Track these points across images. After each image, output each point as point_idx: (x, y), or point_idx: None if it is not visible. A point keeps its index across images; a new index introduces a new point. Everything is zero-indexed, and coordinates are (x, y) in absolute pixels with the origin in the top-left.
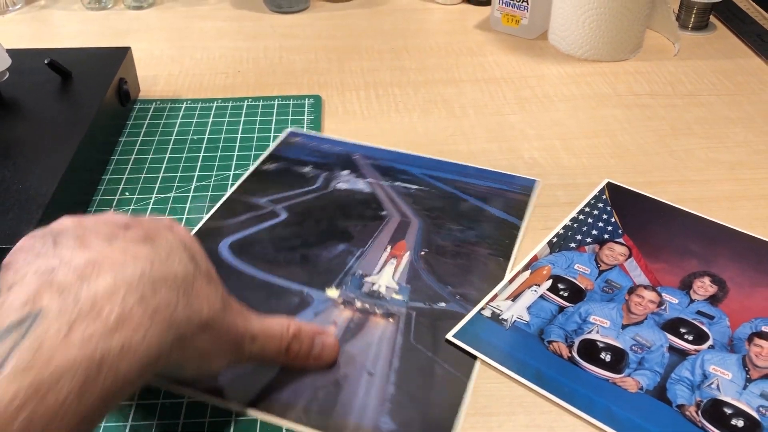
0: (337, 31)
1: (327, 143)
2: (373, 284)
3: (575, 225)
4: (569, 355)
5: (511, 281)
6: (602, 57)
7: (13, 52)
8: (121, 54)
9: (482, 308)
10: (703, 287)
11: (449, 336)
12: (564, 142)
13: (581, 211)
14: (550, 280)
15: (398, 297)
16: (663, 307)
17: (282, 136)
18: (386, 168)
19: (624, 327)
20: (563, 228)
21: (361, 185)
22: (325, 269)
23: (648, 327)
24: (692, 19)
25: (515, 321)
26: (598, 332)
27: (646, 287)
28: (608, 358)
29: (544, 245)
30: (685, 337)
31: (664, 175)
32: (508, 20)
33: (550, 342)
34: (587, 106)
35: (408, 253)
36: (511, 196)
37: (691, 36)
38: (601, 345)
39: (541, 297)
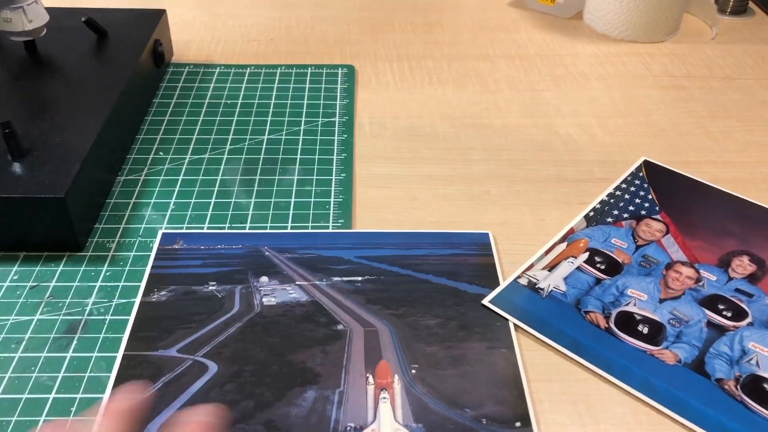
0: (370, 3)
1: (219, 240)
2: None
3: (612, 200)
4: (606, 325)
5: (547, 252)
6: (638, 38)
7: (50, 10)
8: (157, 16)
9: (519, 276)
10: (742, 266)
11: (485, 301)
12: (599, 119)
13: (618, 187)
14: (587, 253)
15: None
16: (701, 284)
17: (156, 244)
18: (312, 260)
19: (661, 301)
20: (600, 203)
21: (293, 294)
22: None
23: (686, 302)
24: (731, 3)
25: (552, 290)
26: (635, 305)
27: (683, 263)
28: (646, 330)
29: (580, 219)
30: (724, 313)
31: (700, 155)
32: None
33: (587, 312)
34: (622, 86)
35: (397, 377)
36: (471, 261)
37: (729, 20)
38: (638, 317)
39: (578, 269)
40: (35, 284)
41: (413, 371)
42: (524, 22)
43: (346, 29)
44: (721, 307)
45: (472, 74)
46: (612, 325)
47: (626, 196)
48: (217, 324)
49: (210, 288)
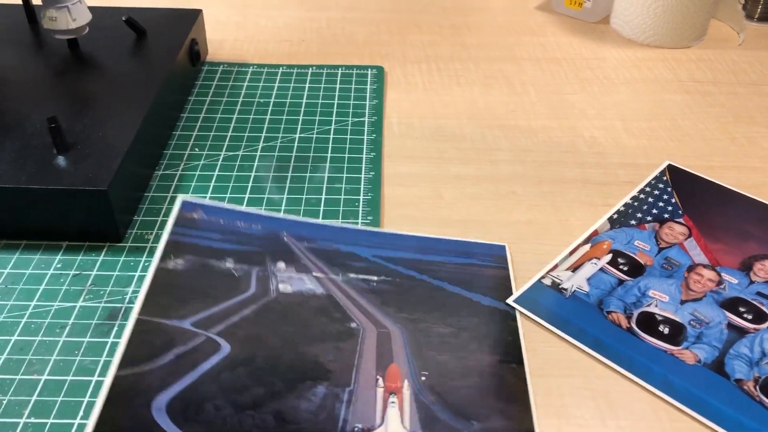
0: (399, 5)
1: (238, 217)
2: None
3: (636, 203)
4: (628, 325)
5: (571, 253)
6: (665, 43)
7: (92, 8)
8: (194, 15)
9: (543, 276)
10: (764, 269)
11: (510, 300)
12: (624, 123)
13: (642, 191)
14: (610, 254)
15: None
16: (722, 286)
17: (176, 209)
18: (329, 253)
19: (683, 302)
20: (624, 205)
21: (309, 284)
22: (311, 430)
23: (707, 304)
24: (759, 10)
25: (575, 291)
26: (656, 306)
27: (705, 266)
28: (666, 330)
29: (604, 221)
30: (744, 315)
31: (725, 160)
32: (571, 2)
33: (609, 312)
34: (648, 90)
35: (407, 382)
36: (487, 272)
37: (756, 26)
38: (659, 318)
39: (601, 270)
40: (78, 272)
41: (423, 378)
42: (551, 25)
43: (375, 31)
44: (742, 309)
45: (499, 76)
46: (633, 325)
47: (650, 200)
48: (233, 303)
49: (227, 265)
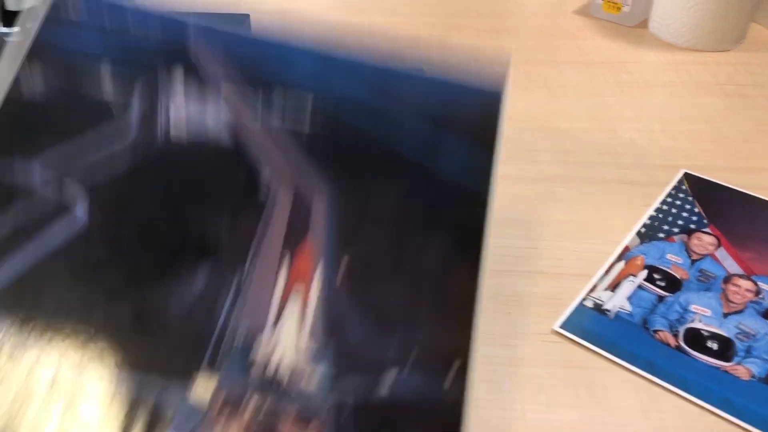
0: (439, 9)
1: (131, 15)
2: (271, 351)
3: (660, 215)
4: (677, 344)
5: (607, 272)
6: (704, 47)
7: None
8: (240, 20)
9: (584, 299)
10: None
11: (555, 327)
12: (663, 125)
13: (663, 202)
14: (646, 270)
15: (317, 373)
16: (761, 296)
17: (46, 5)
18: (253, 81)
19: (725, 316)
20: (649, 218)
21: (212, 128)
22: (180, 332)
23: (750, 315)
24: None
25: (618, 311)
26: (700, 321)
27: (740, 276)
28: (715, 346)
29: (633, 236)
30: None
31: (764, 162)
32: (609, 7)
33: (655, 331)
34: (687, 93)
35: (319, 269)
36: (468, 114)
37: None
38: (706, 334)
39: (639, 287)
40: None
41: (342, 265)
42: (588, 29)
43: (415, 34)
44: None
45: (537, 79)
46: (682, 343)
47: (673, 211)
48: (103, 152)
49: (103, 89)
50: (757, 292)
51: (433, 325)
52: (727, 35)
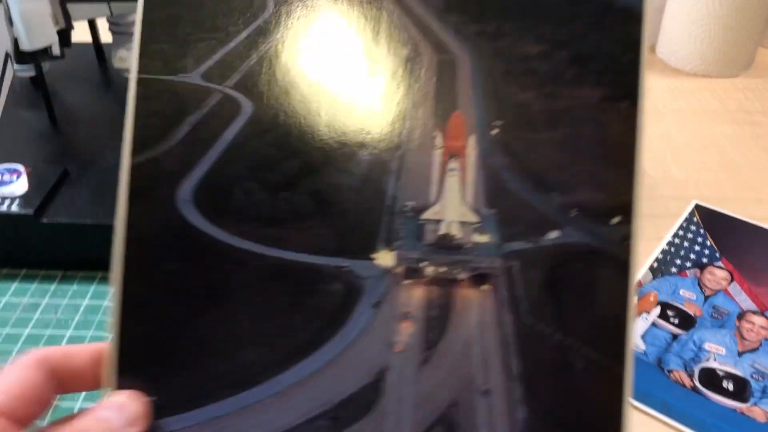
0: None
1: None
2: (439, 224)
3: (672, 249)
4: (692, 384)
5: None
6: (712, 73)
7: None
8: None
9: None
10: None
11: None
12: (674, 154)
13: (675, 235)
14: (659, 307)
15: (483, 239)
16: None
17: None
18: None
19: (740, 354)
20: (662, 252)
21: None
22: (355, 212)
23: (765, 353)
24: None
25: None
26: (715, 360)
27: (754, 312)
28: (731, 386)
29: (646, 270)
30: None
31: None
32: None
33: (670, 371)
34: (697, 121)
35: (473, 139)
36: None
37: None
38: (721, 373)
39: (653, 324)
40: None
41: (495, 131)
42: None
43: None
44: None
45: None
46: (697, 383)
47: (685, 244)
48: (248, 34)
49: None
50: None
51: (594, 181)
52: (735, 61)
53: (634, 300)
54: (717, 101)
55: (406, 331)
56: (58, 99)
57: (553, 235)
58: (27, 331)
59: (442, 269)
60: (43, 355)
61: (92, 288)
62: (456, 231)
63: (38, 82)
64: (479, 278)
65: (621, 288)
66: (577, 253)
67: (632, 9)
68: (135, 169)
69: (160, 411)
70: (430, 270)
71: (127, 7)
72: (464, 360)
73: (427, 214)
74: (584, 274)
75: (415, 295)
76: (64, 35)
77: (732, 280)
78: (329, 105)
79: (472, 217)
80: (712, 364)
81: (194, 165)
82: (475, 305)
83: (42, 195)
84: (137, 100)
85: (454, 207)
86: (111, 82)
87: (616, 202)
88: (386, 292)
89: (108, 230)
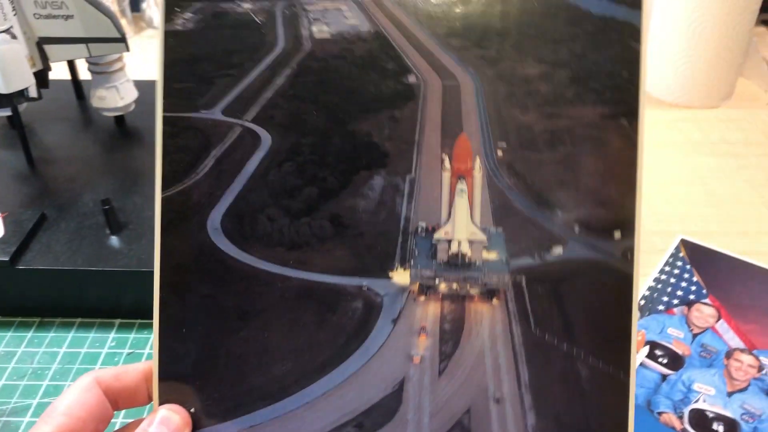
0: None
1: None
2: (450, 243)
3: (659, 286)
4: (682, 427)
5: None
6: (693, 103)
7: (137, 83)
8: None
9: None
10: None
11: None
12: (658, 187)
13: (662, 271)
14: (647, 346)
15: (492, 256)
16: (764, 372)
17: None
18: None
19: (729, 394)
20: (648, 289)
21: (351, 19)
22: (371, 234)
23: (753, 393)
24: None
25: None
26: (704, 401)
27: (742, 350)
28: (721, 429)
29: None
30: None
31: (761, 225)
32: None
33: (660, 413)
34: (679, 153)
35: (479, 161)
36: None
37: None
38: (711, 415)
39: (641, 365)
40: (131, 351)
41: (500, 152)
42: None
43: None
44: None
45: None
46: (687, 426)
47: (672, 281)
48: (262, 70)
49: (244, 6)
50: (760, 368)
51: (596, 197)
52: (715, 92)
53: (637, 311)
54: (699, 132)
55: (423, 344)
56: (36, 138)
57: (558, 251)
58: (1, 383)
59: (455, 285)
60: (97, 376)
61: (70, 335)
62: (466, 249)
63: (15, 123)
64: (489, 293)
65: (625, 299)
66: (582, 267)
67: (630, 25)
68: (166, 202)
69: (200, 421)
70: (443, 286)
71: (106, 48)
72: (477, 370)
73: (439, 234)
74: (589, 287)
75: (430, 310)
76: (42, 76)
77: (719, 318)
78: (342, 133)
79: (481, 236)
80: (702, 405)
81: (221, 195)
82: (486, 319)
83: (18, 241)
84: (164, 137)
85: (463, 226)
86: (90, 120)
87: (618, 217)
88: (403, 308)
89: (85, 276)
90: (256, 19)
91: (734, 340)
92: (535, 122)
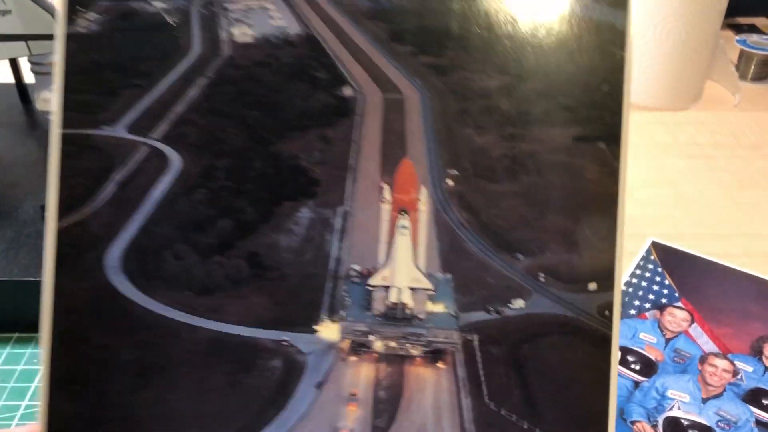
0: None
1: None
2: (388, 291)
3: (630, 290)
4: None
5: None
6: (662, 106)
7: None
8: None
9: None
10: None
11: None
12: (627, 190)
13: (633, 274)
14: (619, 353)
15: (439, 308)
16: (739, 377)
17: None
18: None
19: (704, 401)
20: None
21: (279, 21)
22: (295, 277)
23: (729, 399)
24: (752, 70)
25: None
26: (679, 408)
27: (716, 355)
28: None
29: None
30: None
31: (732, 227)
32: None
33: (633, 422)
34: (649, 155)
35: (424, 192)
36: None
37: (750, 86)
38: (686, 423)
39: None
40: None
41: (450, 181)
42: None
43: None
44: (765, 402)
45: None
46: None
47: (643, 284)
48: (175, 80)
49: (156, 5)
50: (735, 373)
51: (567, 239)
52: (684, 94)
53: (615, 383)
54: (668, 135)
55: (353, 416)
56: None
57: (519, 304)
58: None
59: (393, 344)
60: None
61: (5, 351)
62: (407, 299)
63: None
64: (434, 355)
65: (601, 369)
66: (547, 327)
67: (612, 27)
68: (61, 235)
69: None
70: (378, 345)
71: (48, 46)
72: None
73: (375, 280)
74: (556, 352)
75: (362, 374)
76: None
77: (692, 322)
78: (265, 155)
79: (426, 283)
80: (677, 412)
81: (122, 228)
82: (430, 386)
83: None
84: (61, 158)
85: (405, 271)
86: (35, 124)
87: (594, 264)
88: (330, 369)
89: (24, 287)
90: (169, 20)
91: (708, 345)
92: (493, 145)
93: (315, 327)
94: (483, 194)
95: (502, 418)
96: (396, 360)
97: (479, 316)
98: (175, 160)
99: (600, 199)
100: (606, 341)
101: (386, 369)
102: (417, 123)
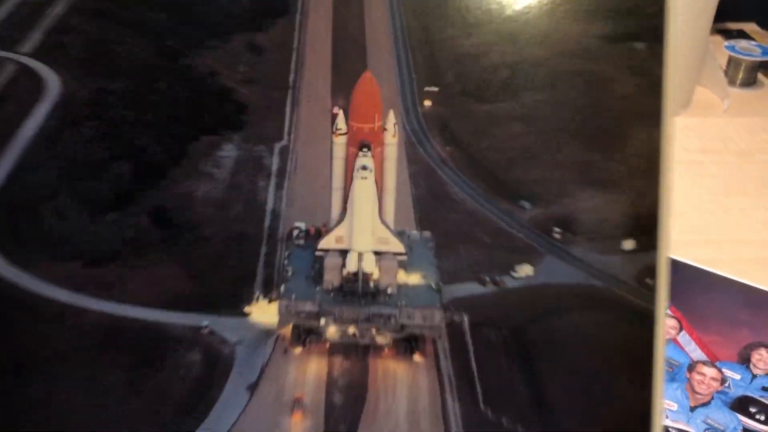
0: None
1: None
2: (345, 257)
3: None
4: None
5: None
6: None
7: None
8: None
9: None
10: (762, 360)
11: None
12: None
13: None
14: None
15: (415, 279)
16: (727, 385)
17: None
18: None
19: (692, 409)
20: None
21: None
22: (219, 240)
23: (717, 408)
24: (740, 76)
25: None
26: (667, 417)
27: (705, 363)
28: None
29: None
30: (757, 417)
31: (721, 233)
32: None
33: None
34: None
35: (392, 118)
36: None
37: (739, 92)
38: (674, 431)
39: None
40: None
41: (427, 102)
42: None
43: None
44: (752, 410)
45: None
46: None
47: None
48: None
49: None
50: (723, 381)
51: (589, 183)
52: (674, 100)
53: (662, 378)
54: None
55: (298, 428)
56: None
57: (525, 271)
58: None
59: (351, 329)
60: None
61: None
62: (371, 267)
63: None
64: (408, 343)
65: (640, 358)
66: (565, 301)
67: None
68: None
69: None
70: (332, 331)
71: None
72: None
73: (327, 242)
74: (577, 336)
75: (310, 371)
76: None
77: (681, 329)
78: (174, 73)
79: (396, 245)
80: (665, 421)
81: None
82: (404, 386)
83: None
84: None
85: (367, 229)
86: None
87: (630, 213)
88: (266, 365)
89: None
90: None
91: (696, 353)
92: (488, 49)
93: (245, 308)
94: (473, 119)
95: (504, 430)
96: (356, 351)
97: (470, 288)
98: (53, 81)
99: (638, 115)
100: (648, 320)
101: (343, 364)
102: (383, 19)
